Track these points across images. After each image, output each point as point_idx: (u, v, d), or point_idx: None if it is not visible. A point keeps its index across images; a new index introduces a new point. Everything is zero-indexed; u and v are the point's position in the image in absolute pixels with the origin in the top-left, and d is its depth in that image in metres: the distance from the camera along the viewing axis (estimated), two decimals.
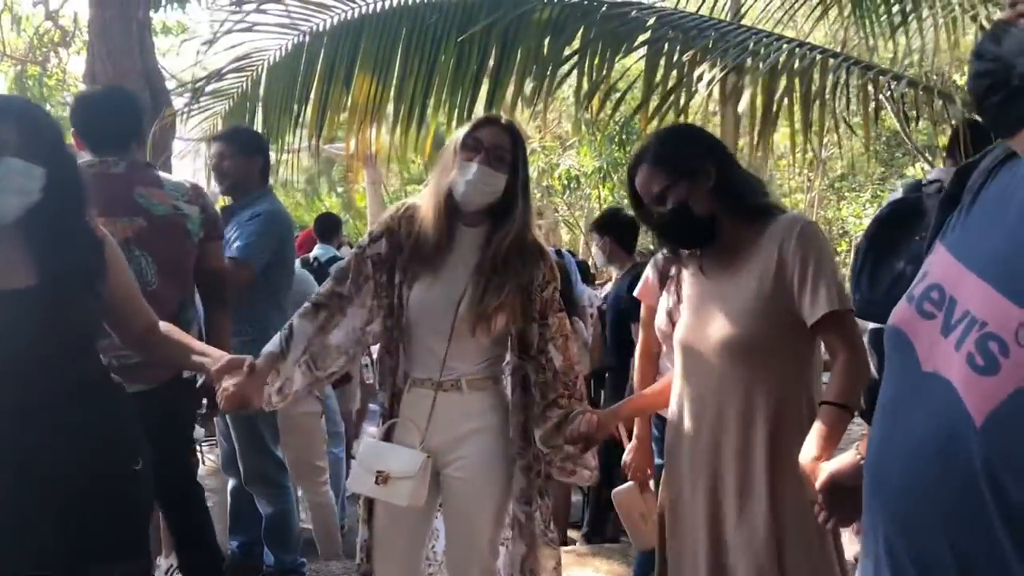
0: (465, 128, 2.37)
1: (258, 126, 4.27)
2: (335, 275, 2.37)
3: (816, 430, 1.83)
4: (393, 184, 18.47)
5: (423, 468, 2.24)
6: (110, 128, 2.94)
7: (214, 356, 2.16)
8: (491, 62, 3.72)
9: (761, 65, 3.38)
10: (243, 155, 3.55)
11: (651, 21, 3.67)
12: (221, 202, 3.93)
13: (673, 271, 2.45)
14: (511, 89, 3.69)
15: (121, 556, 2.07)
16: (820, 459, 1.72)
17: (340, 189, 18.10)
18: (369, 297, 2.33)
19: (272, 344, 2.32)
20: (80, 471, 1.98)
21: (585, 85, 3.69)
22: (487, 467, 2.33)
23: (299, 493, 4.14)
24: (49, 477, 1.94)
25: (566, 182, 15.50)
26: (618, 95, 4.32)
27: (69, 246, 2.01)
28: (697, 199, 2.09)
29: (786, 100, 3.52)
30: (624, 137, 12.63)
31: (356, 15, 4.08)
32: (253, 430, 3.46)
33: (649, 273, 2.90)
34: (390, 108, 3.97)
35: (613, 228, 4.41)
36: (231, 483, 3.81)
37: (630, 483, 2.71)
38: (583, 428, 2.28)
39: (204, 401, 3.06)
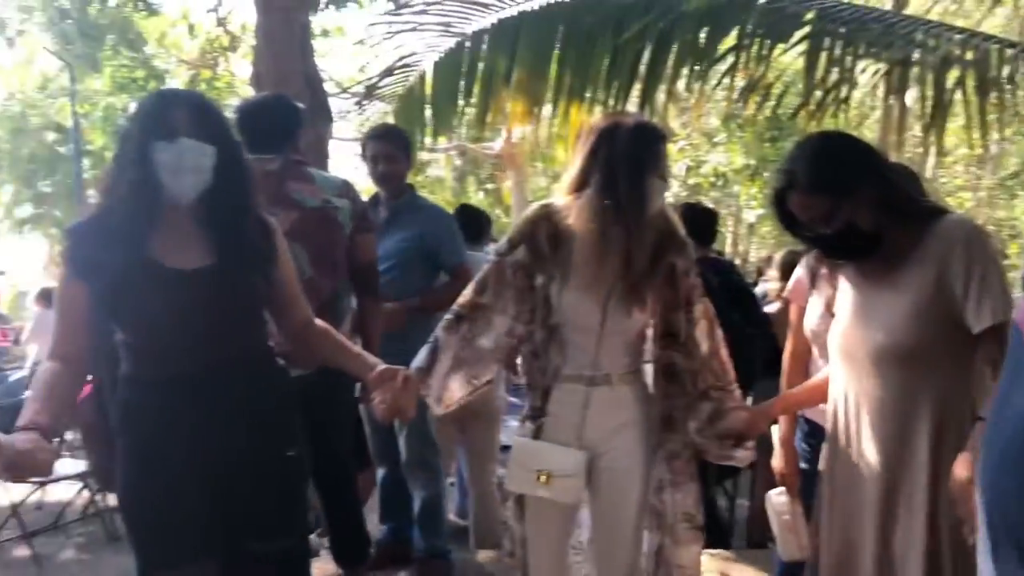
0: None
1: (425, 125, 4.40)
2: (475, 285, 2.36)
3: (970, 447, 1.74)
4: (539, 183, 18.59)
5: (584, 466, 2.27)
6: (267, 129, 3.11)
7: (369, 364, 2.20)
8: (644, 59, 3.70)
9: (930, 57, 3.22)
10: (404, 154, 3.68)
11: (810, 15, 3.56)
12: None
13: (823, 270, 2.37)
14: (664, 86, 3.66)
15: (276, 534, 2.13)
16: (972, 480, 1.63)
17: (489, 186, 18.42)
18: (512, 304, 2.32)
19: (419, 359, 2.35)
20: (239, 445, 2.06)
21: (740, 81, 3.62)
22: (633, 458, 2.33)
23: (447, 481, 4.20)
24: (213, 448, 2.03)
25: (713, 179, 15.21)
26: (774, 91, 4.21)
27: (243, 228, 2.10)
28: (861, 216, 2.02)
29: (957, 93, 3.34)
30: (775, 133, 12.28)
31: (516, 13, 4.15)
32: (423, 416, 3.53)
33: (800, 273, 2.82)
34: (543, 106, 4.02)
35: (687, 221, 4.31)
36: (381, 472, 3.91)
37: (782, 488, 2.65)
38: (736, 426, 2.28)
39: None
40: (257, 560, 2.11)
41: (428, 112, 4.61)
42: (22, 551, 4.65)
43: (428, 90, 4.57)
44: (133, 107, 2.18)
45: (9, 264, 23.89)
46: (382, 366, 2.14)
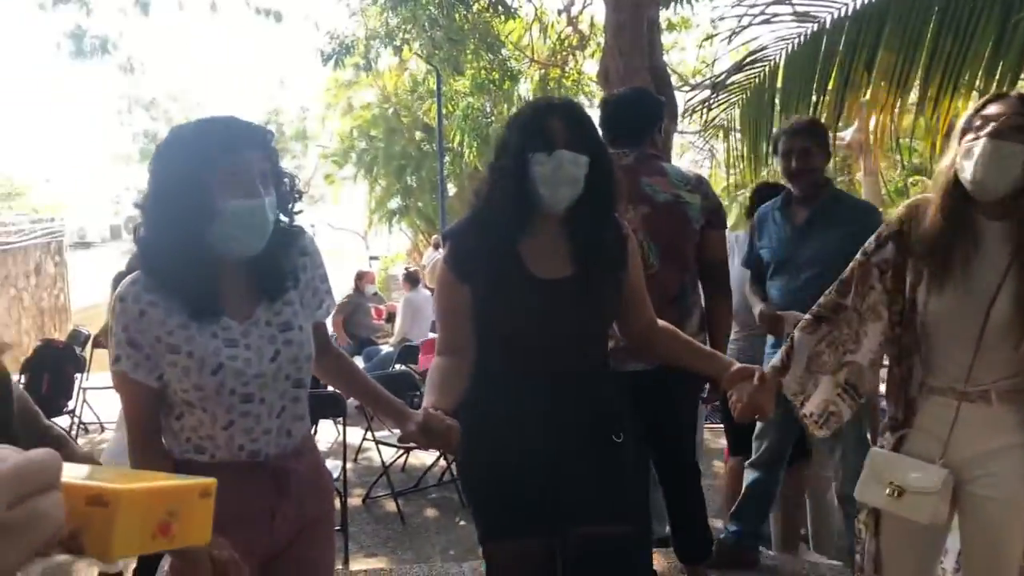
0: (970, 110, 2.11)
1: (775, 118, 4.27)
2: (838, 285, 2.24)
3: None
4: (892, 175, 17.25)
5: (945, 484, 2.07)
6: (628, 124, 3.17)
7: (722, 364, 2.18)
8: None
9: None
10: (821, 149, 3.47)
11: None
12: None
13: None
14: None
15: (606, 518, 2.16)
16: None
17: (840, 178, 17.42)
18: (882, 306, 2.17)
19: (775, 357, 2.30)
20: (574, 431, 2.13)
21: None
22: (1016, 489, 2.07)
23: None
24: (552, 431, 2.11)
25: None
26: None
27: (603, 239, 2.15)
28: None
29: None
30: None
31: None
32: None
33: None
34: (908, 94, 3.73)
35: None
36: (751, 475, 3.70)
37: None
38: None
39: (707, 385, 3.13)
40: (588, 542, 2.16)
41: (776, 107, 4.46)
42: (390, 507, 5.21)
43: (778, 83, 4.42)
44: (510, 118, 2.26)
45: (381, 250, 26.73)
46: (737, 365, 2.12)
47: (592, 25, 13.37)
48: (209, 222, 1.68)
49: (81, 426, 6.87)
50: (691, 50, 16.15)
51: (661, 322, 2.29)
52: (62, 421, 6.64)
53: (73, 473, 0.57)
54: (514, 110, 2.60)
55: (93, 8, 8.18)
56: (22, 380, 6.52)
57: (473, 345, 2.13)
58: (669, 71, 7.49)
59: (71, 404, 6.72)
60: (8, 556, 0.47)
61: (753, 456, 3.62)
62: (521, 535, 2.16)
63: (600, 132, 2.29)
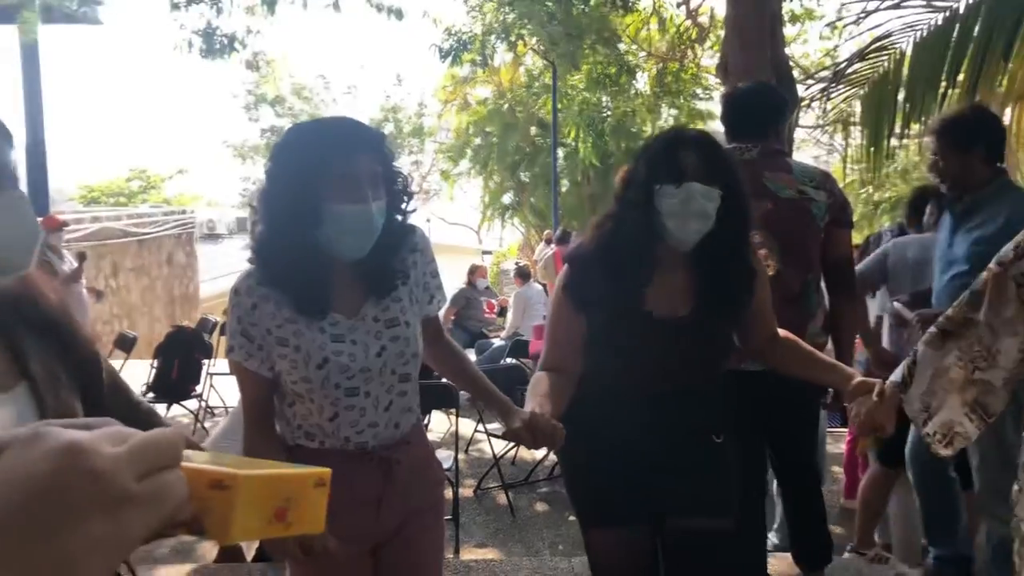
0: None
1: (896, 111, 4.10)
2: (968, 297, 2.09)
3: None
4: None
5: None
6: (751, 118, 3.09)
7: (843, 376, 2.11)
8: None
9: None
10: (955, 151, 3.19)
11: None
12: None
13: None
14: None
15: (705, 513, 2.16)
16: None
17: None
18: (1020, 323, 2.00)
19: (896, 372, 2.19)
20: (669, 425, 2.12)
21: None
22: None
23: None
24: (655, 427, 2.10)
25: None
26: None
27: (727, 278, 2.09)
28: None
29: None
30: None
31: None
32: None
33: None
34: None
35: None
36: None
37: None
38: None
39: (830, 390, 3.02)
40: (687, 535, 2.17)
41: (901, 97, 4.27)
42: (500, 499, 5.25)
43: (905, 72, 4.23)
44: (640, 149, 2.18)
45: (493, 245, 26.99)
46: (858, 378, 2.04)
47: (712, 18, 13.12)
48: (318, 225, 1.72)
49: (208, 410, 7.18)
50: (814, 42, 15.66)
51: (782, 332, 2.24)
52: (190, 404, 6.96)
53: (195, 458, 0.59)
54: (642, 144, 2.48)
55: (223, 7, 8.48)
56: (154, 364, 6.88)
57: (578, 369, 2.14)
58: (791, 64, 7.28)
59: (198, 388, 7.04)
60: (134, 528, 0.49)
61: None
62: (622, 524, 2.18)
63: (724, 133, 2.22)
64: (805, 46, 16.86)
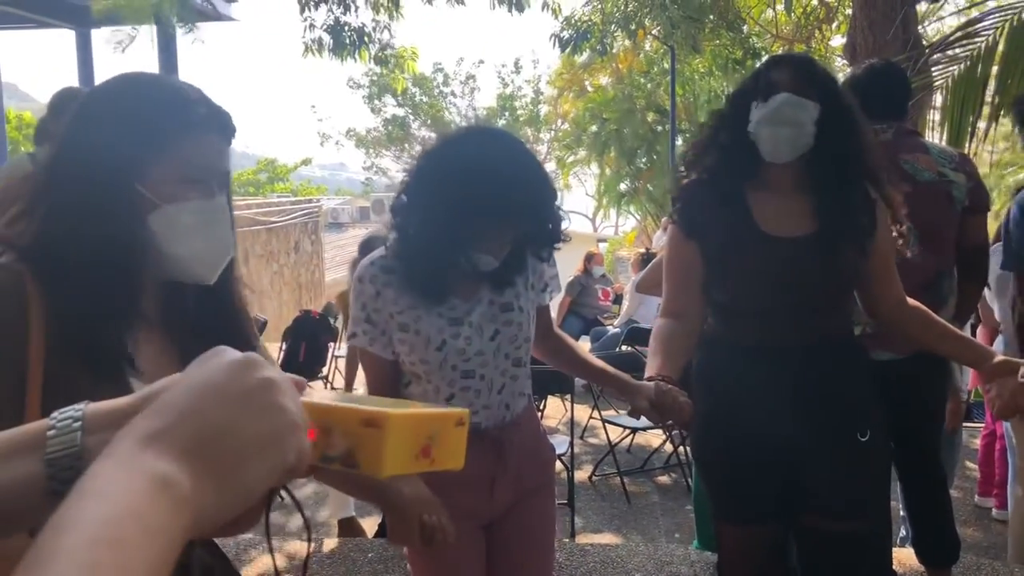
0: None
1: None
2: None
3: None
4: None
5: None
6: (882, 98, 2.97)
7: (981, 353, 2.03)
8: None
9: None
10: None
11: None
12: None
13: None
14: None
15: (843, 515, 2.08)
16: None
17: None
18: None
19: None
20: (815, 422, 2.04)
21: None
22: None
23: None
24: (788, 420, 2.02)
25: None
26: None
27: (846, 195, 2.04)
28: None
29: None
30: None
31: None
32: None
33: None
34: None
35: None
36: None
37: None
38: None
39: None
40: (823, 535, 2.10)
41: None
42: (616, 485, 5.25)
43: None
44: (731, 89, 2.22)
45: (609, 232, 26.82)
46: (999, 356, 1.95)
47: None
48: (464, 244, 1.76)
49: (333, 391, 7.42)
50: (950, 20, 14.89)
51: (912, 302, 2.15)
52: (316, 386, 7.21)
53: (350, 399, 0.63)
54: None
55: (350, 3, 8.68)
56: (283, 347, 7.17)
57: (700, 310, 2.09)
58: (924, 43, 6.94)
59: (324, 371, 7.28)
60: (288, 444, 0.55)
61: None
62: (755, 522, 2.15)
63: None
64: (940, 24, 16.03)
